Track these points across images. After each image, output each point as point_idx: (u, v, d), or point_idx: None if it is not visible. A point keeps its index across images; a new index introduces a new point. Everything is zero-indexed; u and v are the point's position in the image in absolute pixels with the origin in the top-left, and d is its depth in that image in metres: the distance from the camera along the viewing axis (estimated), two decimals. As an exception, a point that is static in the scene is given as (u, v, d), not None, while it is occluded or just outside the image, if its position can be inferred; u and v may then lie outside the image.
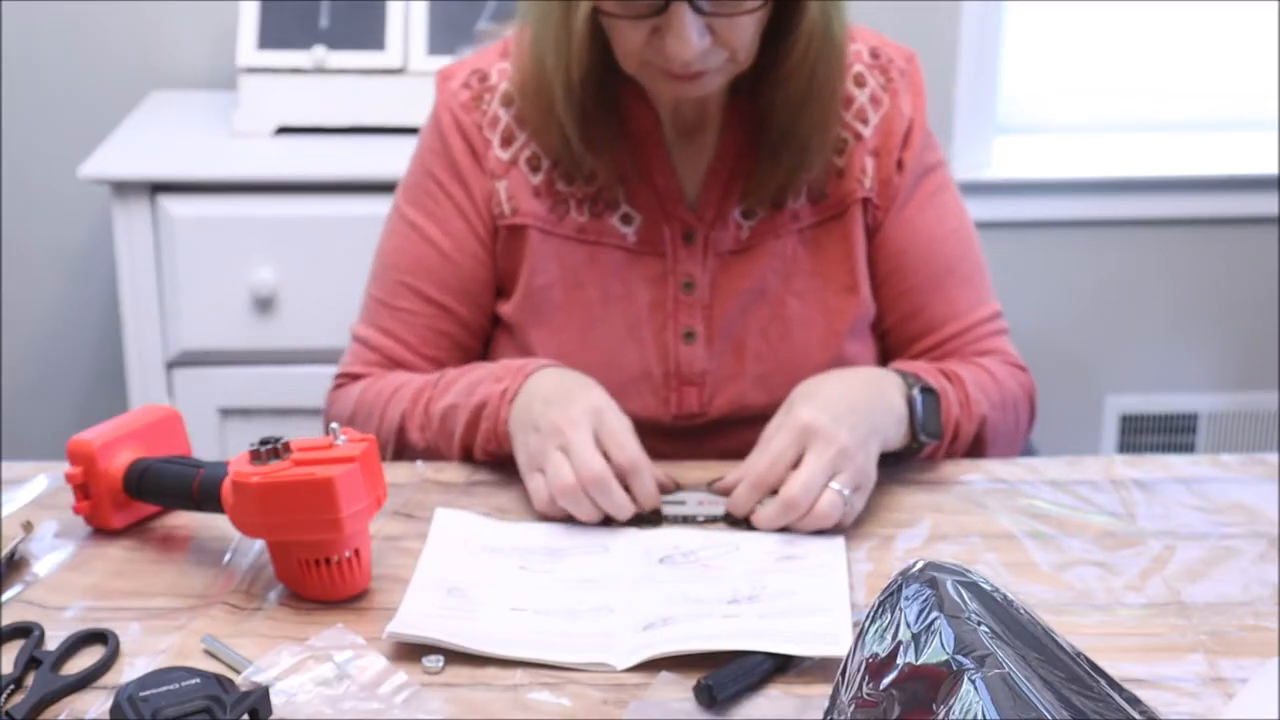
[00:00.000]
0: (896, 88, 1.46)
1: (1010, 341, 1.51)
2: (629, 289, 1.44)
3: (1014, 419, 1.47)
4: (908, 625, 0.82)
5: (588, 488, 1.23)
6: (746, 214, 1.44)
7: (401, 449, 1.42)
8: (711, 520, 1.28)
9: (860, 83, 1.46)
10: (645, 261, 1.44)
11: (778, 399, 1.33)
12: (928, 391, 1.35)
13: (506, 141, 1.44)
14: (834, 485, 1.23)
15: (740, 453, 1.32)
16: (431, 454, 1.40)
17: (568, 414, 1.26)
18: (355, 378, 1.48)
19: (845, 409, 1.27)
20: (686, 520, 1.28)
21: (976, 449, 1.43)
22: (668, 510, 1.28)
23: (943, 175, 1.50)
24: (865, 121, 1.45)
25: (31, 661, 1.07)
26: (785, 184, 1.43)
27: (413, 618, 1.11)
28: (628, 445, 1.25)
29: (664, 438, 1.42)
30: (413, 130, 1.55)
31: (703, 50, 1.30)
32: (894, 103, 1.46)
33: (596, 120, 1.39)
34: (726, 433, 1.45)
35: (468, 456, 1.38)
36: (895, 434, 1.32)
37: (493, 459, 1.36)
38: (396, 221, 1.49)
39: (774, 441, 1.26)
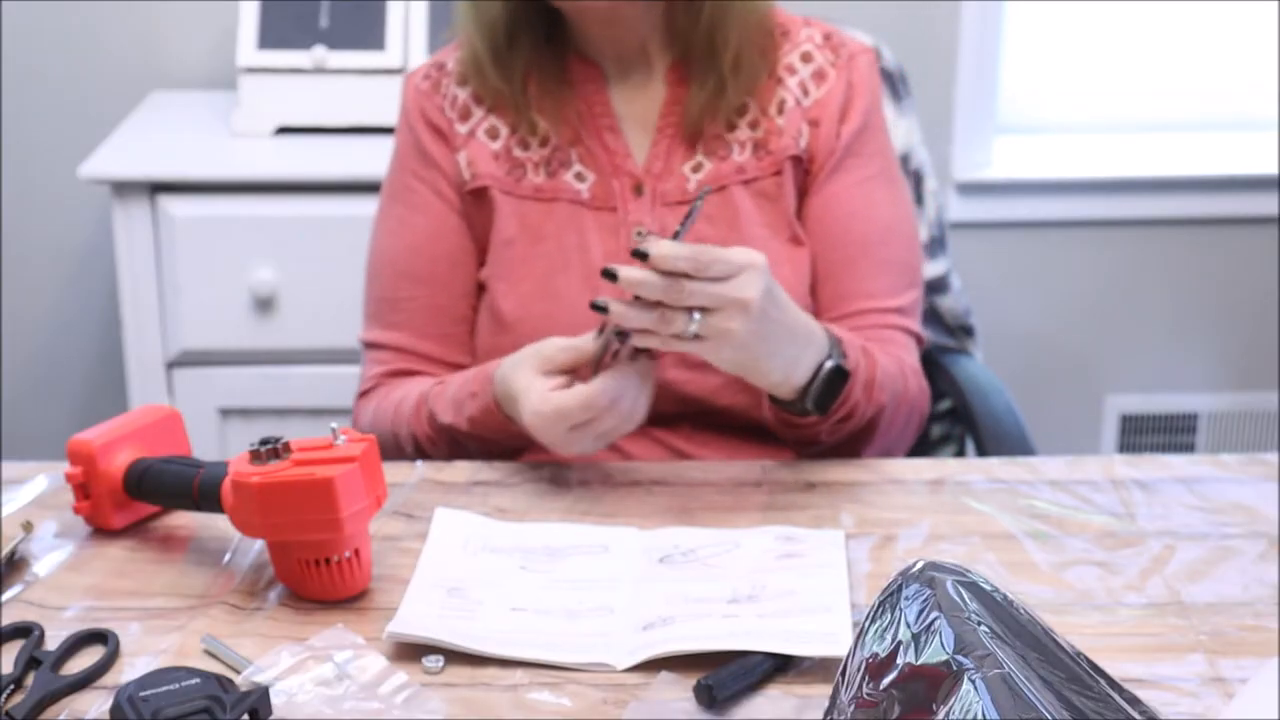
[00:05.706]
0: (843, 66, 1.51)
1: (917, 356, 1.51)
2: (584, 240, 1.48)
3: (904, 420, 1.48)
4: (908, 625, 0.82)
5: (602, 407, 1.27)
6: (694, 169, 1.49)
7: (427, 457, 1.46)
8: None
9: (807, 59, 1.52)
10: (599, 215, 1.48)
11: None
12: (839, 370, 1.34)
13: (464, 116, 1.52)
14: (696, 316, 1.23)
15: (694, 397, 1.43)
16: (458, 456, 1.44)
17: (523, 414, 1.31)
18: (373, 389, 1.52)
19: (782, 307, 1.28)
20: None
21: (864, 434, 1.42)
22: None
23: (884, 168, 1.53)
24: (806, 93, 1.50)
25: (31, 661, 1.07)
26: (718, 102, 1.47)
27: (413, 618, 1.11)
28: (565, 353, 1.30)
29: None
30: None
31: None
32: (839, 77, 1.51)
33: (542, 84, 1.48)
34: (681, 374, 1.46)
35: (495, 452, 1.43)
36: (784, 376, 1.32)
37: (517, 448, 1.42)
38: (382, 221, 1.55)
39: (725, 250, 1.24)
